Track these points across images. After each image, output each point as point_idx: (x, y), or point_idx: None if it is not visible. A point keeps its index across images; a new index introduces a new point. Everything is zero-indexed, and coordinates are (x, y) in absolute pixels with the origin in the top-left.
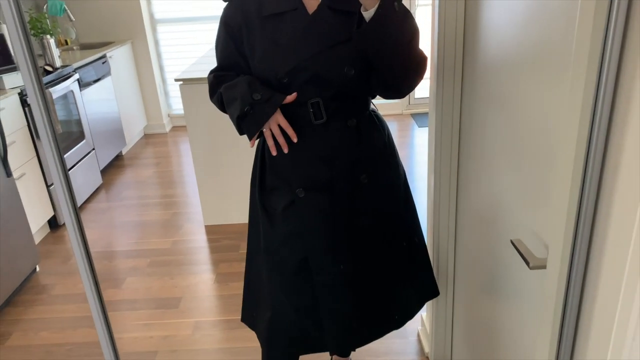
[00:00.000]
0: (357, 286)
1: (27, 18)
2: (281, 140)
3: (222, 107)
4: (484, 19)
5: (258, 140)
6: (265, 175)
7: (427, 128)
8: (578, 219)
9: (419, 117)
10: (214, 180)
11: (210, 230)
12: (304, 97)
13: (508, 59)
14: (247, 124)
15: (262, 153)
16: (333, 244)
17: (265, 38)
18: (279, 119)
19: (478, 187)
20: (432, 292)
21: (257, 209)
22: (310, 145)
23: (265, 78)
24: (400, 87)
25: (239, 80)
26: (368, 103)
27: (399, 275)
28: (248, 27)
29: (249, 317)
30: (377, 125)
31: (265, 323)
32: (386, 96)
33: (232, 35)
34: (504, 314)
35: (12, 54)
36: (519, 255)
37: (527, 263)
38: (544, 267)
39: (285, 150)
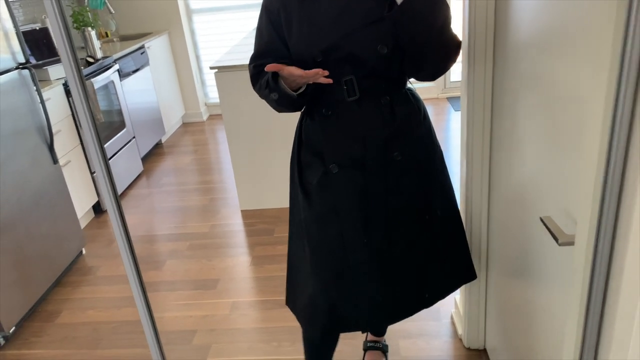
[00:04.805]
0: (390, 264)
1: (69, 12)
2: (315, 78)
3: (267, 101)
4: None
5: (298, 122)
6: (302, 152)
7: None
8: (604, 193)
9: (455, 101)
10: (249, 166)
11: (246, 214)
12: (338, 75)
13: (539, 39)
14: (283, 103)
15: (299, 130)
16: (367, 221)
17: (302, 19)
18: (290, 74)
19: (510, 168)
20: (468, 275)
21: (296, 187)
22: (344, 121)
23: (301, 58)
24: (432, 70)
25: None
26: (403, 81)
27: (432, 254)
28: (286, 9)
29: (291, 299)
30: (412, 103)
31: (304, 302)
32: (418, 78)
33: (272, 20)
34: (535, 293)
35: (56, 46)
36: (549, 234)
37: (556, 240)
38: (572, 243)
39: (324, 73)
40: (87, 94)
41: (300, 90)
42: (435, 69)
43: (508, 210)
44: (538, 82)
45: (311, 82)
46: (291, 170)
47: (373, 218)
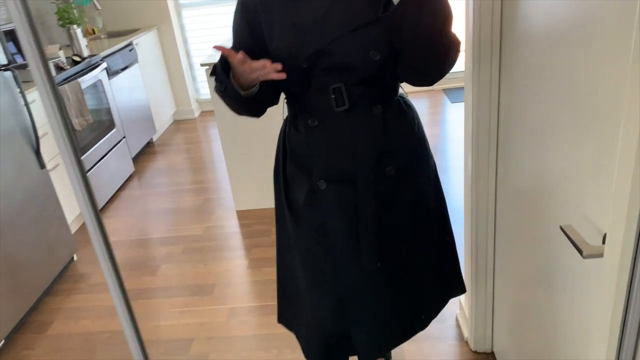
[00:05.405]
0: (385, 286)
1: (54, 9)
2: (272, 74)
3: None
4: None
5: (280, 132)
6: (287, 165)
7: (460, 103)
8: None
9: (452, 92)
10: (244, 165)
11: (242, 215)
12: (326, 83)
13: (555, 29)
14: (233, 99)
15: (283, 141)
16: (358, 242)
17: (283, 20)
18: (238, 62)
19: (520, 167)
20: (458, 289)
21: (282, 205)
22: (332, 133)
23: (284, 64)
24: (430, 75)
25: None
26: (396, 89)
27: (428, 274)
28: (265, 9)
29: (286, 317)
30: (405, 113)
31: (304, 326)
32: (414, 83)
33: (247, 18)
34: (550, 301)
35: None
36: (565, 240)
37: (580, 252)
38: (599, 256)
39: (279, 68)
40: (59, 101)
41: (252, 90)
42: (434, 74)
43: (519, 212)
44: (554, 74)
45: (262, 79)
46: (275, 186)
47: (364, 237)
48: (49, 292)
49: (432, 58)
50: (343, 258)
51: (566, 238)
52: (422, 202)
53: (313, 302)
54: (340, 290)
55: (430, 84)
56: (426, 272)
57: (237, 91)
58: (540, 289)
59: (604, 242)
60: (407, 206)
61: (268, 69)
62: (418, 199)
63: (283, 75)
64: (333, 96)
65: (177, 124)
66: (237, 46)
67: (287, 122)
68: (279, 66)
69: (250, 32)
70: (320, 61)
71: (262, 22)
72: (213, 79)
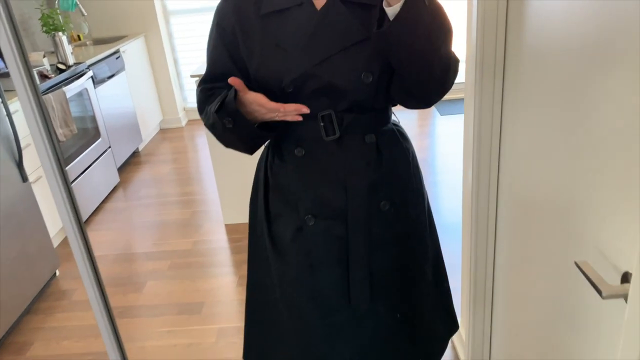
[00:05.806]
0: (376, 327)
1: (38, 14)
2: (290, 116)
3: (214, 130)
4: None
5: (259, 159)
6: (270, 199)
7: (450, 116)
8: None
9: (441, 105)
10: (233, 177)
11: (231, 229)
12: (314, 110)
13: (568, 45)
14: (237, 135)
15: (265, 172)
16: (348, 282)
17: (265, 41)
18: (256, 102)
19: (525, 188)
20: (452, 327)
21: (263, 239)
22: (322, 165)
23: (267, 88)
24: (427, 96)
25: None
26: (389, 115)
27: (423, 313)
28: (243, 28)
29: (255, 352)
30: (400, 143)
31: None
32: (409, 106)
33: (224, 38)
34: (553, 329)
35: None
36: (575, 270)
37: (600, 292)
38: (621, 297)
39: (306, 110)
40: (44, 113)
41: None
42: (431, 96)
43: (520, 234)
44: (568, 92)
45: (279, 119)
46: (252, 218)
47: (355, 276)
48: (29, 310)
49: (429, 79)
50: (332, 297)
51: (574, 265)
52: (417, 237)
53: (301, 341)
54: (329, 329)
55: (427, 106)
56: (421, 312)
57: (248, 127)
58: (544, 317)
59: (622, 282)
60: (402, 242)
61: (298, 111)
62: (413, 234)
63: (300, 118)
64: (322, 124)
65: (164, 132)
66: (213, 70)
67: (269, 150)
68: (305, 109)
69: (230, 55)
70: (307, 85)
71: (240, 44)
72: (209, 111)
